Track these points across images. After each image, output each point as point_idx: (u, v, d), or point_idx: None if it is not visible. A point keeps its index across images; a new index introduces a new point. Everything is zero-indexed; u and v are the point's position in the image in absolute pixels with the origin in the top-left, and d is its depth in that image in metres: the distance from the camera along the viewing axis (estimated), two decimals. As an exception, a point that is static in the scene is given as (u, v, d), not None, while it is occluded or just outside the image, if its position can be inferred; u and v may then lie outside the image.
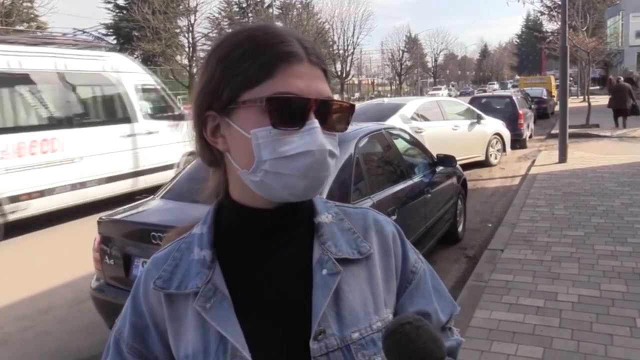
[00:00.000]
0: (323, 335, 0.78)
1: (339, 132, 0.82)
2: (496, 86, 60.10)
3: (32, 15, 30.48)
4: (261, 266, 0.82)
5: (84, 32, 40.81)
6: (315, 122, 0.76)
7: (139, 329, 0.84)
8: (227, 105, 0.78)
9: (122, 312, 0.88)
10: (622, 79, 18.26)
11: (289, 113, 0.75)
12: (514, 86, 42.81)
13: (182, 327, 0.81)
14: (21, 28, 28.52)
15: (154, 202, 3.85)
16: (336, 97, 0.85)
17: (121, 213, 3.70)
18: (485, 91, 37.98)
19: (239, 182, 0.82)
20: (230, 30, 0.93)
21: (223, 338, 0.77)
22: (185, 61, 30.82)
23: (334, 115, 0.80)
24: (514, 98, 14.87)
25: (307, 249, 0.84)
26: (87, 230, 4.42)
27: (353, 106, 0.84)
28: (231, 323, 0.77)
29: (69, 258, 5.86)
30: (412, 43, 68.39)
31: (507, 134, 11.96)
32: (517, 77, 54.80)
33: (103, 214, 3.72)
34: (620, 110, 15.90)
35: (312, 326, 0.78)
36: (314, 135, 0.76)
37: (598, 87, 31.67)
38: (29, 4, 30.63)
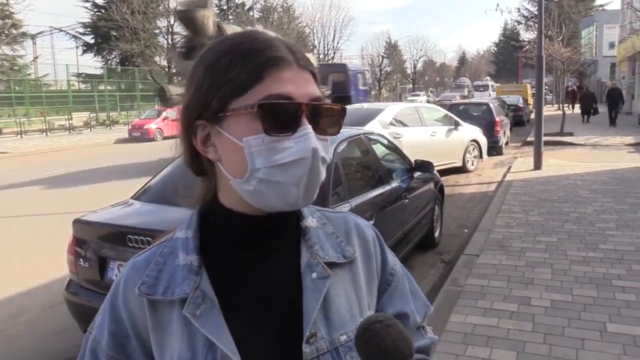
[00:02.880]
0: (314, 338, 0.78)
1: (331, 135, 0.81)
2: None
3: (8, 12, 29.91)
4: (249, 271, 0.81)
5: (61, 30, 40.31)
6: (308, 127, 0.75)
7: (119, 338, 0.81)
8: (217, 113, 0.77)
9: (97, 321, 0.84)
10: (588, 87, 26.26)
11: (281, 118, 0.74)
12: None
13: (166, 335, 0.78)
14: (-5, 25, 27.99)
15: (130, 204, 3.81)
16: None
17: (97, 215, 3.65)
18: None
19: (229, 189, 0.80)
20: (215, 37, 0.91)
21: (212, 345, 0.75)
22: (164, 62, 30.57)
23: (325, 119, 0.79)
24: (491, 105, 15.10)
25: (294, 253, 0.84)
26: (61, 231, 4.35)
27: (344, 109, 0.83)
28: (221, 330, 0.76)
29: (42, 260, 5.76)
30: (392, 49, 68.89)
31: (483, 141, 12.13)
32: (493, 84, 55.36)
33: (78, 215, 3.67)
34: (587, 111, 22.32)
35: (304, 330, 0.78)
36: (307, 140, 0.74)
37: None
38: (4, 1, 30.07)
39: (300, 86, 0.76)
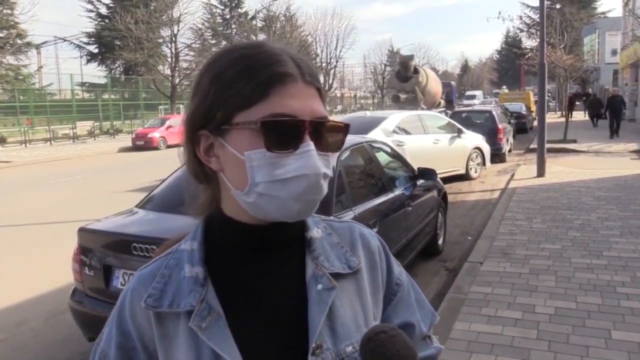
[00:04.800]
0: (320, 350, 0.78)
1: (333, 152, 0.80)
2: (476, 100, 60.98)
3: (12, 23, 30.15)
4: (254, 282, 0.82)
5: (65, 40, 40.56)
6: (310, 145, 0.75)
7: (126, 350, 0.81)
8: (221, 125, 0.77)
9: (104, 333, 0.85)
10: (597, 94, 29.42)
11: (283, 135, 0.74)
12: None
13: (172, 347, 0.78)
14: (0, 35, 28.22)
15: (135, 213, 3.83)
16: None
17: (102, 223, 3.67)
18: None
19: (232, 199, 0.81)
20: (222, 47, 0.92)
21: (218, 358, 0.76)
22: (168, 71, 30.73)
23: (328, 136, 0.79)
24: (494, 113, 15.12)
25: (299, 264, 0.84)
26: (66, 240, 4.36)
27: (347, 126, 0.83)
28: (228, 342, 0.76)
29: (47, 268, 5.77)
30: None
31: (487, 148, 12.14)
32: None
33: (83, 224, 3.69)
34: (595, 115, 24.33)
35: (309, 341, 0.78)
36: (308, 158, 0.75)
37: (577, 103, 32.55)
38: (9, 11, 30.34)
39: (304, 103, 0.76)
